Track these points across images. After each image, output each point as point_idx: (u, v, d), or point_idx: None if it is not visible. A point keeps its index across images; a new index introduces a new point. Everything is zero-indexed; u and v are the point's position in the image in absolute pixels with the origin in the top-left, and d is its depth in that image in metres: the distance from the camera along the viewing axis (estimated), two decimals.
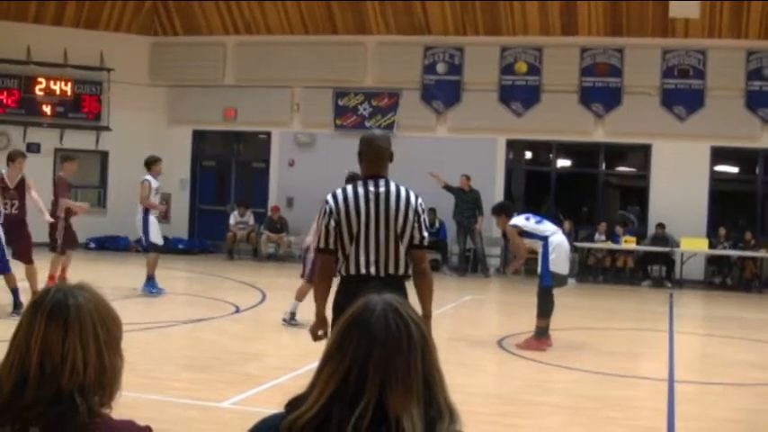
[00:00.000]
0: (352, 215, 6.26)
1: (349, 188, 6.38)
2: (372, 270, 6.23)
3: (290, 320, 13.58)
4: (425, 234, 6.42)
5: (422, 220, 6.39)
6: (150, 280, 16.77)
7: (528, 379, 10.88)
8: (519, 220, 13.07)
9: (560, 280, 12.99)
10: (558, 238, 12.92)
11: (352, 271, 6.26)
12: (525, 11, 24.57)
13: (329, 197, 6.39)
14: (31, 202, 14.66)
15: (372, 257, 6.25)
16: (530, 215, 13.31)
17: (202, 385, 9.51)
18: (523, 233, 12.94)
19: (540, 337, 12.70)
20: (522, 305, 17.31)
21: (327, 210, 6.33)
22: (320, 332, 6.36)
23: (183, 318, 14.49)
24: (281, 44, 26.44)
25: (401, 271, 6.31)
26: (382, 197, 6.30)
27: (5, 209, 13.95)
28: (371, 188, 6.33)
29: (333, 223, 6.28)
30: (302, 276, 13.80)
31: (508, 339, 13.24)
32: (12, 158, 14.73)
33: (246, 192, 27.57)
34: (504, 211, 13.38)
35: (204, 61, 27.19)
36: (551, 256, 12.72)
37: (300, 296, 13.57)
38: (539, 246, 12.92)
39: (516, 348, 12.54)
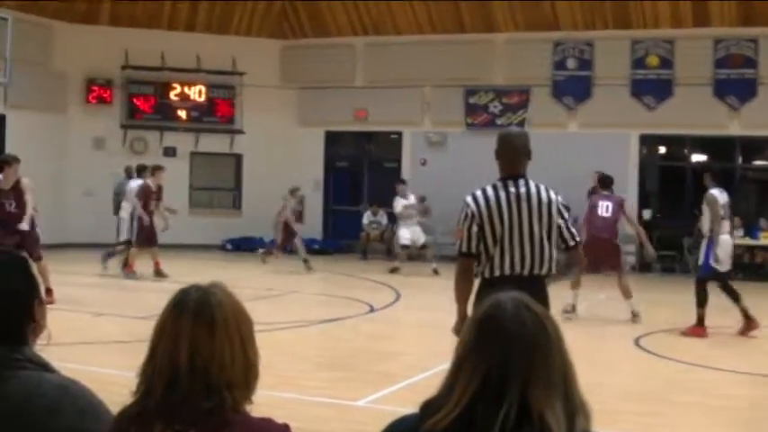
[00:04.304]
0: (495, 219, 6.20)
1: (489, 189, 6.29)
2: (517, 270, 6.20)
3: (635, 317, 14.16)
4: (574, 231, 6.47)
5: (565, 217, 6.38)
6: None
7: (667, 378, 10.65)
8: (721, 196, 13.36)
9: (717, 275, 13.16)
10: (725, 237, 13.20)
11: (497, 273, 6.22)
12: (656, 3, 24.06)
13: (469, 200, 6.31)
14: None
15: (518, 258, 6.20)
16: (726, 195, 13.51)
17: (338, 384, 9.58)
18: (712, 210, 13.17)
19: (699, 325, 12.99)
20: (658, 302, 17.04)
21: (469, 213, 6.25)
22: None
23: (317, 317, 14.64)
24: (410, 44, 26.47)
25: (544, 270, 6.27)
26: (524, 198, 6.23)
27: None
28: (512, 189, 6.25)
29: (475, 228, 6.22)
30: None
31: (646, 338, 13.01)
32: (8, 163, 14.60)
33: (379, 191, 27.67)
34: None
35: (334, 63, 27.40)
36: (716, 250, 13.06)
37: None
38: (704, 227, 13.25)
39: (666, 341, 12.44)
